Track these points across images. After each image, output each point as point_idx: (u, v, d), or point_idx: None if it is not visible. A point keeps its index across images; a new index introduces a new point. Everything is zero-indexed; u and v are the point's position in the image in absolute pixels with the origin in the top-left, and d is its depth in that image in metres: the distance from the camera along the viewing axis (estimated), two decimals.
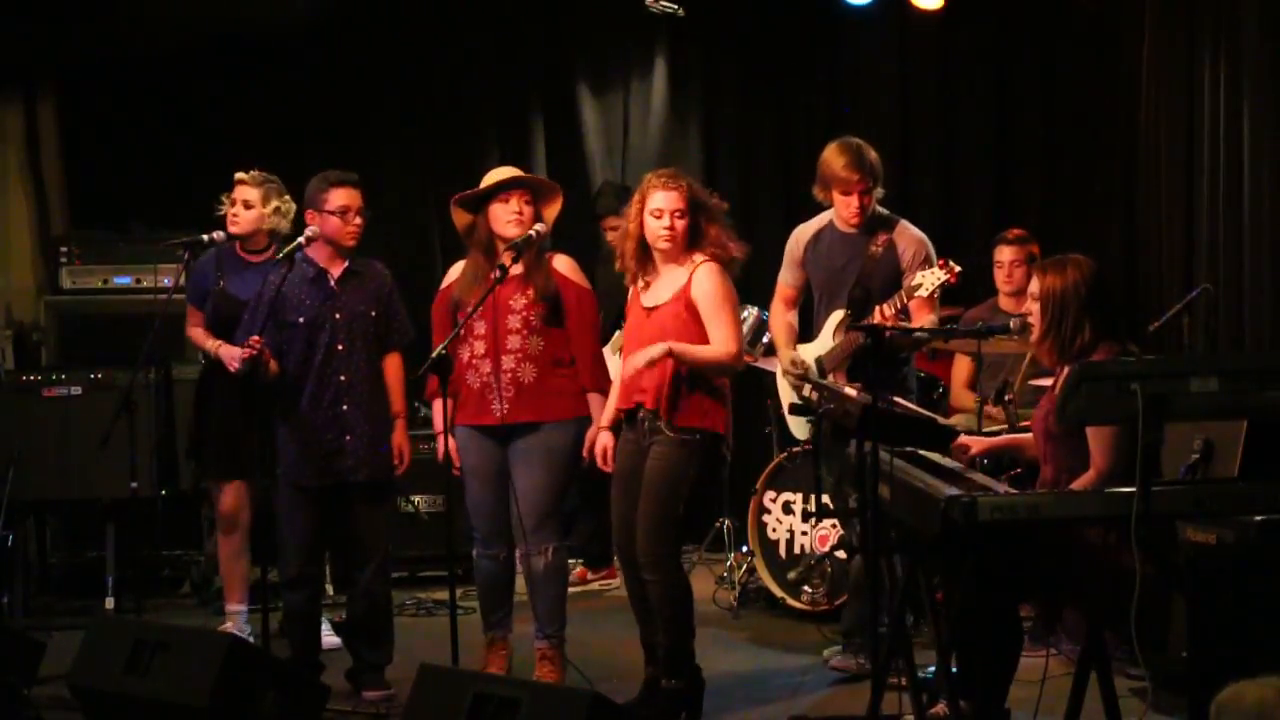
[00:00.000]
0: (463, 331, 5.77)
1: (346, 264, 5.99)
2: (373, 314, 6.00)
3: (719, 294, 5.50)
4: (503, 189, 5.84)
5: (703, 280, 5.51)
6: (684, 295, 5.51)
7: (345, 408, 5.92)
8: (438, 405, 5.85)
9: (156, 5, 8.01)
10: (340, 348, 5.93)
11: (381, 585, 6.05)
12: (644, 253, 5.56)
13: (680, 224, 5.50)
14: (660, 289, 5.58)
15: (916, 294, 5.68)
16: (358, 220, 5.96)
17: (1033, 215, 8.28)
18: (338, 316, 5.94)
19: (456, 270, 5.99)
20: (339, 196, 5.93)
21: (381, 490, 6.06)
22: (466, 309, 5.75)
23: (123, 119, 8.59)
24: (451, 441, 5.74)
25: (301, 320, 5.91)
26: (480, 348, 5.82)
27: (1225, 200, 7.38)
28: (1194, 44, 7.68)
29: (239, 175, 6.59)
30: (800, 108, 9.07)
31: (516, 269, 5.77)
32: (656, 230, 5.51)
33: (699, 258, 5.53)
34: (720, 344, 5.49)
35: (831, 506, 6.36)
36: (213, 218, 6.74)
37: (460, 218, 5.91)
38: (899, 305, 5.77)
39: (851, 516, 5.98)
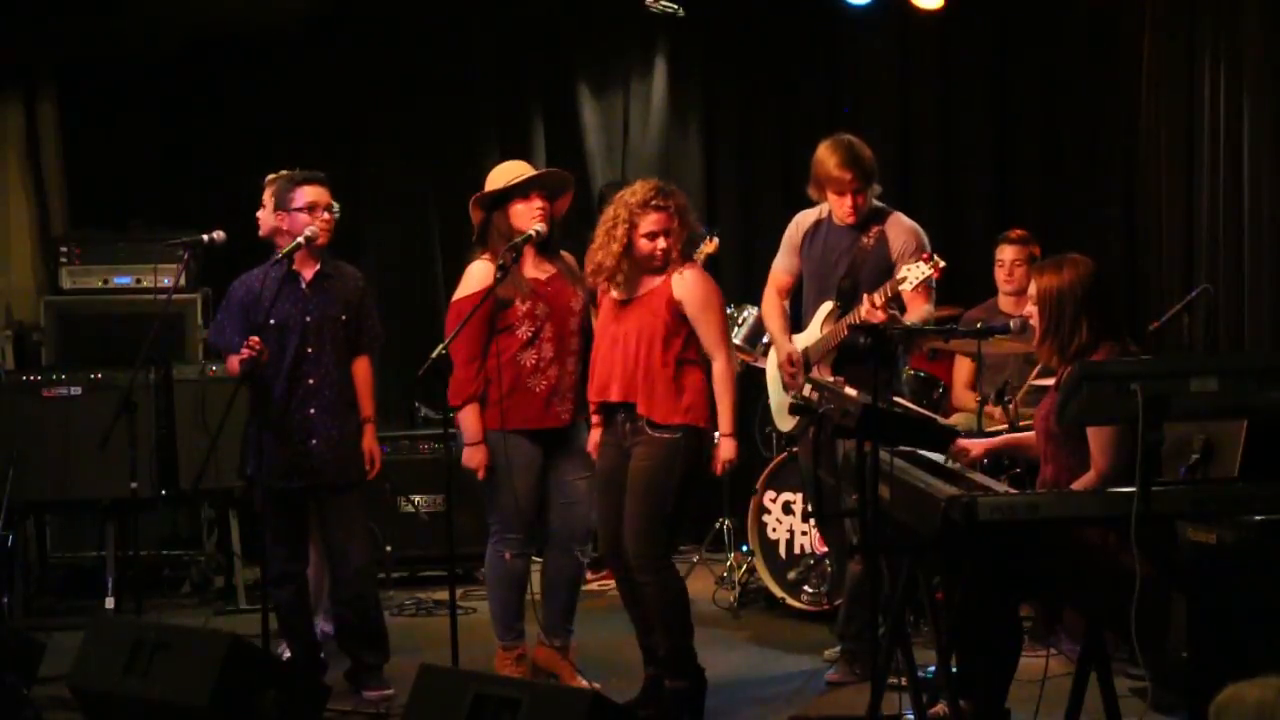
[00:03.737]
0: (523, 335, 5.78)
1: (319, 266, 5.99)
2: (342, 318, 6.00)
3: (704, 293, 5.54)
4: (528, 188, 5.83)
5: (687, 281, 5.54)
6: (664, 291, 5.53)
7: (312, 411, 5.93)
8: (473, 410, 5.77)
9: (156, 5, 8.01)
10: (309, 350, 5.93)
11: (367, 586, 6.06)
12: (627, 265, 5.55)
13: (672, 240, 5.53)
14: (635, 285, 5.58)
15: (902, 288, 5.68)
16: (326, 216, 5.96)
17: (1033, 215, 8.27)
18: (308, 320, 5.94)
19: (479, 275, 5.81)
20: (305, 194, 5.93)
21: (352, 492, 6.03)
22: (515, 308, 5.75)
23: (123, 119, 8.59)
24: (486, 447, 5.77)
25: (272, 322, 5.90)
26: (549, 350, 5.82)
27: (1225, 200, 7.38)
28: (1194, 44, 7.68)
29: None
30: (800, 108, 9.06)
31: (550, 270, 5.82)
32: (652, 250, 5.52)
33: (681, 262, 5.57)
34: (712, 353, 5.52)
35: (810, 507, 6.39)
36: (212, 217, 6.77)
37: (476, 215, 5.89)
38: (888, 294, 5.73)
39: (832, 519, 6.03)
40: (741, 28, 9.08)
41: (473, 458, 5.81)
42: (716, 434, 5.62)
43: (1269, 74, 7.09)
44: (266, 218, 6.42)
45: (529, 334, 5.79)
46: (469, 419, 5.78)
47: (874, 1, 8.38)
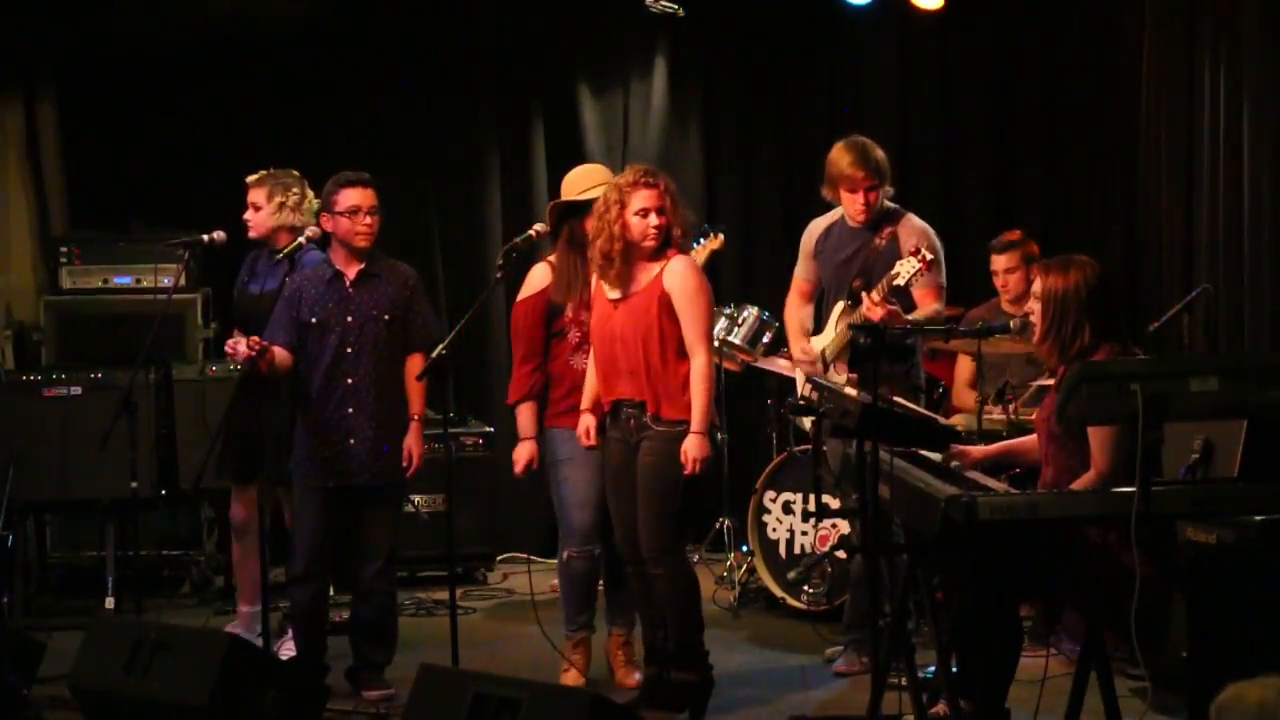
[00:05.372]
0: (573, 340, 5.88)
1: (363, 266, 5.99)
2: (386, 318, 5.99)
3: (692, 286, 5.51)
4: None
5: (676, 272, 5.52)
6: (656, 286, 5.51)
7: (350, 411, 5.93)
8: (527, 409, 5.91)
9: (156, 5, 8.01)
10: (349, 351, 5.94)
11: (387, 585, 6.07)
12: (622, 252, 5.55)
13: (663, 220, 5.51)
14: (629, 282, 5.57)
15: (895, 283, 5.75)
16: (368, 220, 5.96)
17: (1033, 215, 8.27)
18: (348, 320, 5.95)
19: (537, 278, 5.93)
20: (348, 197, 5.94)
21: (387, 493, 6.07)
22: (564, 314, 5.85)
23: (123, 119, 8.59)
24: (534, 445, 5.89)
25: (314, 321, 5.93)
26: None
27: (1225, 200, 7.38)
28: (1194, 44, 7.68)
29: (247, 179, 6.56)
30: (800, 108, 9.06)
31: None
32: (644, 229, 5.50)
33: (671, 251, 5.55)
34: (692, 348, 5.48)
35: (839, 505, 6.39)
36: (212, 217, 6.76)
37: (551, 219, 5.96)
38: (885, 289, 5.78)
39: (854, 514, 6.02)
40: (741, 28, 9.08)
41: (521, 451, 5.92)
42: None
43: (1269, 74, 7.09)
44: (259, 220, 6.42)
45: (578, 339, 5.88)
46: (524, 415, 5.92)
47: (874, 1, 8.39)
